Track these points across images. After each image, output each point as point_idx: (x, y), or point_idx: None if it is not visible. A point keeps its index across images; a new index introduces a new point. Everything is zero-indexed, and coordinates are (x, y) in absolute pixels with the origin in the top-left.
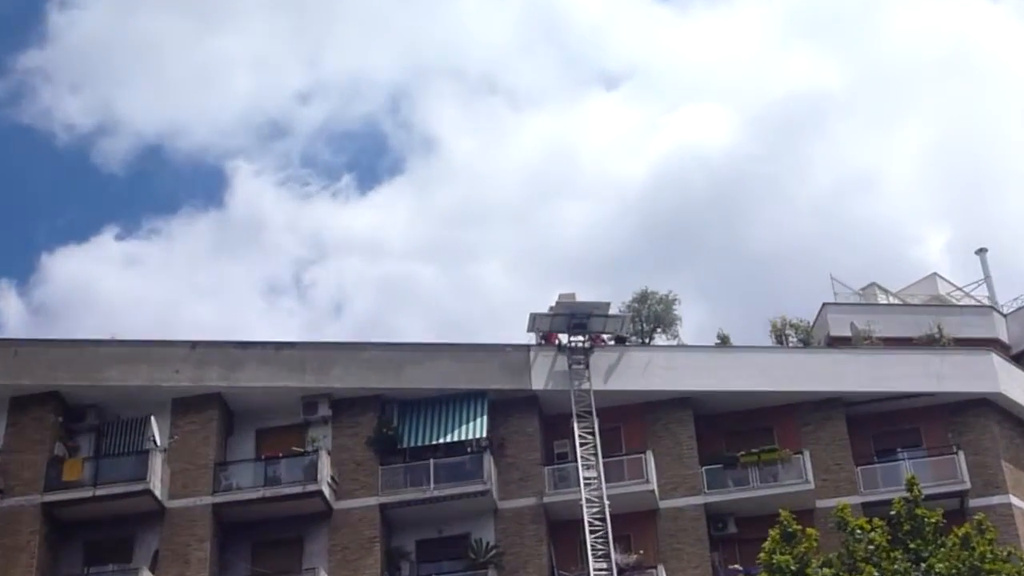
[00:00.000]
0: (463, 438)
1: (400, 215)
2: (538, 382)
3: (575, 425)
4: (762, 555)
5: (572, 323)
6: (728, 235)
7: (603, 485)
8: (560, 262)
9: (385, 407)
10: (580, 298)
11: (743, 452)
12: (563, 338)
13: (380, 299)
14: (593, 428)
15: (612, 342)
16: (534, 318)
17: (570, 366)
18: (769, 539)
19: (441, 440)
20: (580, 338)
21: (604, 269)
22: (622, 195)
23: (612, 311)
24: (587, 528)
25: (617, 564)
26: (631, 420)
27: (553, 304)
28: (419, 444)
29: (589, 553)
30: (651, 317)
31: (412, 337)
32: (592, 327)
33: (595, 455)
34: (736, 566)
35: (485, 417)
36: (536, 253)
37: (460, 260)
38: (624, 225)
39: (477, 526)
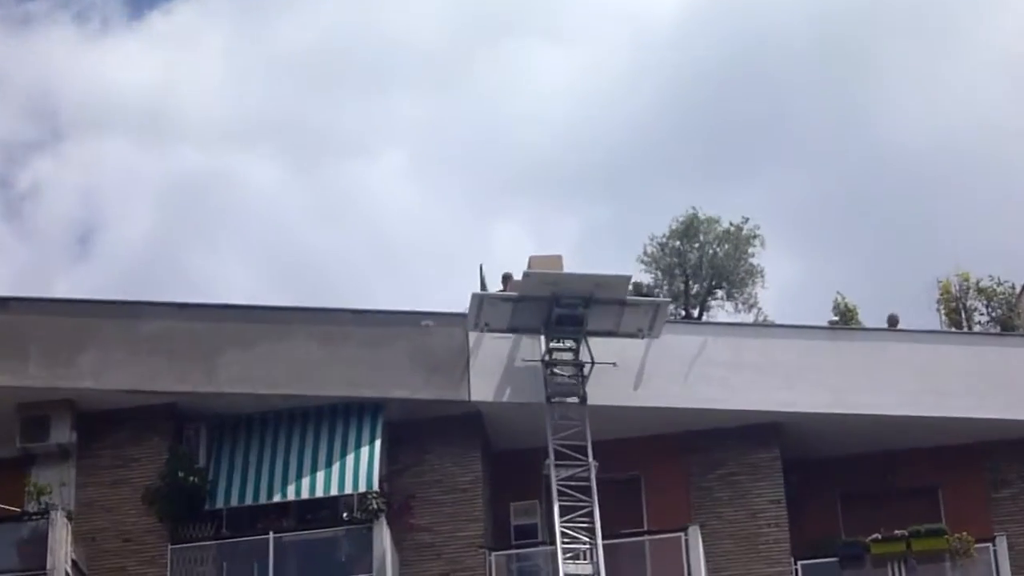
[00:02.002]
0: (334, 493)
1: (207, 60)
2: (483, 388)
3: (552, 473)
4: None
5: (556, 315)
6: (849, 112)
7: None
8: (521, 161)
9: (183, 429)
10: (571, 264)
11: (877, 534)
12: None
13: (169, 223)
14: (588, 480)
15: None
16: (480, 303)
17: (547, 358)
18: None
19: (291, 497)
20: (569, 344)
21: (605, 177)
22: (641, 34)
23: (631, 292)
24: None
25: None
26: (662, 465)
27: (517, 274)
28: (247, 502)
29: None
30: (704, 268)
31: (235, 294)
32: (594, 323)
33: (590, 531)
34: None
35: (377, 452)
36: (475, 143)
37: (325, 151)
38: (646, 91)
39: None
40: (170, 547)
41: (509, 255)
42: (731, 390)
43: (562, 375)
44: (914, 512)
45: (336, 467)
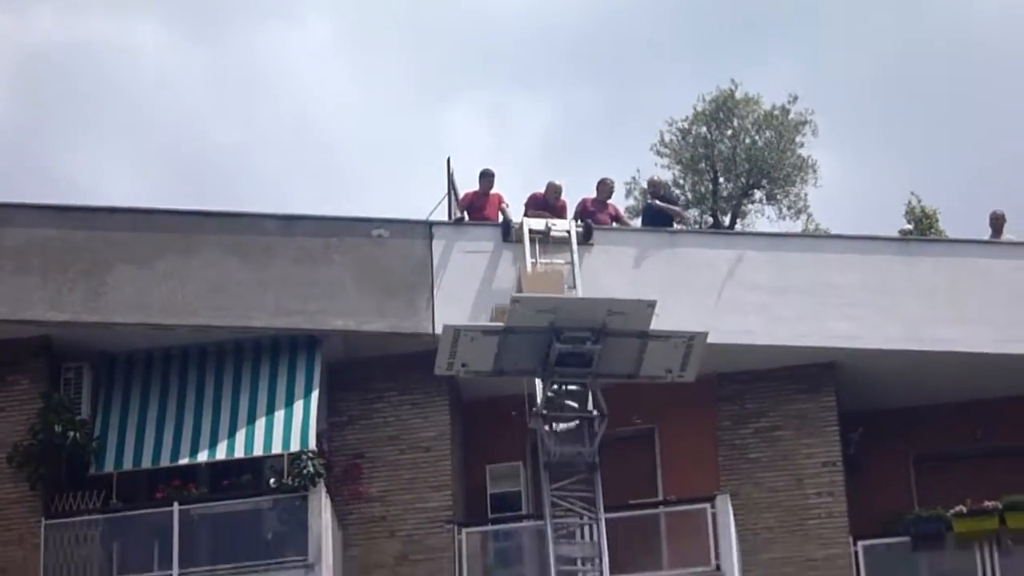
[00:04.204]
0: (258, 453)
1: None
2: (451, 317)
3: (541, 427)
4: None
5: (556, 353)
6: None
7: None
8: (479, 31)
9: (60, 370)
10: (554, 166)
11: (962, 507)
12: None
13: (27, 106)
14: (586, 440)
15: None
16: (454, 338)
17: (544, 410)
18: None
19: (201, 458)
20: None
21: (591, 51)
22: None
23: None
24: None
25: None
26: (682, 417)
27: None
28: (143, 466)
29: None
30: (739, 161)
31: (114, 199)
32: (608, 362)
33: (590, 501)
34: None
35: (314, 400)
36: (421, 7)
37: (230, 15)
38: None
39: None
40: (44, 522)
41: (468, 151)
42: (772, 320)
43: (565, 431)
44: (1011, 479)
45: (261, 420)
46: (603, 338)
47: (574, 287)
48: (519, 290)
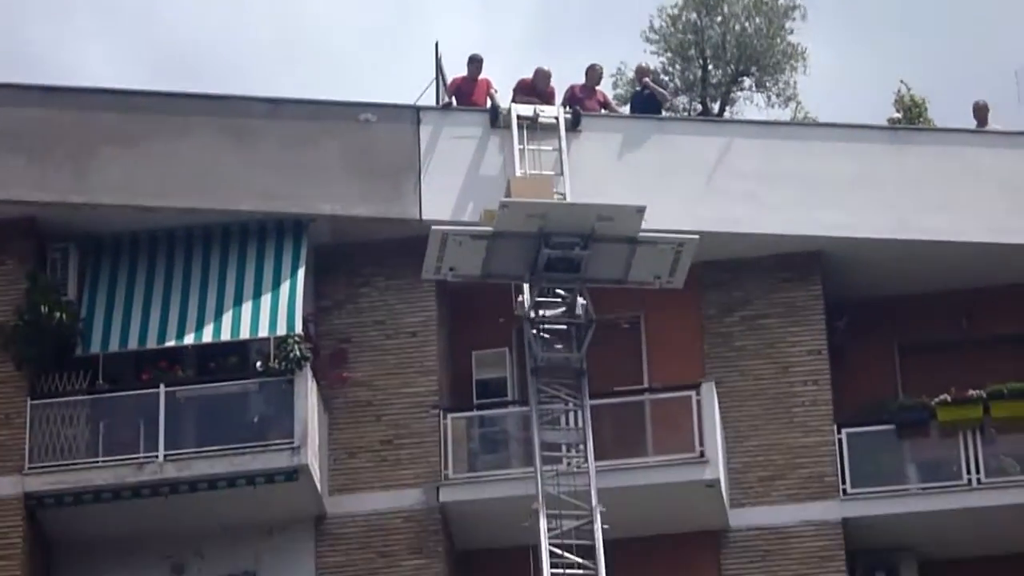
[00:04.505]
0: (245, 336)
1: None
2: (438, 203)
3: (528, 331)
4: None
5: (544, 259)
6: None
7: (592, 464)
8: None
9: (46, 251)
10: (539, 50)
11: (946, 396)
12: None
13: None
14: (573, 345)
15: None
16: (443, 242)
17: (532, 314)
18: None
19: (188, 341)
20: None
21: None
22: None
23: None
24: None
25: None
26: (668, 305)
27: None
28: (130, 347)
29: None
30: (729, 47)
31: (101, 76)
32: (596, 268)
33: (575, 388)
34: None
35: (300, 284)
36: None
37: None
38: None
39: (273, 555)
40: (30, 402)
41: (456, 36)
42: (760, 208)
43: (553, 336)
44: (995, 368)
45: (247, 303)
46: (592, 243)
47: (561, 174)
48: (508, 195)
